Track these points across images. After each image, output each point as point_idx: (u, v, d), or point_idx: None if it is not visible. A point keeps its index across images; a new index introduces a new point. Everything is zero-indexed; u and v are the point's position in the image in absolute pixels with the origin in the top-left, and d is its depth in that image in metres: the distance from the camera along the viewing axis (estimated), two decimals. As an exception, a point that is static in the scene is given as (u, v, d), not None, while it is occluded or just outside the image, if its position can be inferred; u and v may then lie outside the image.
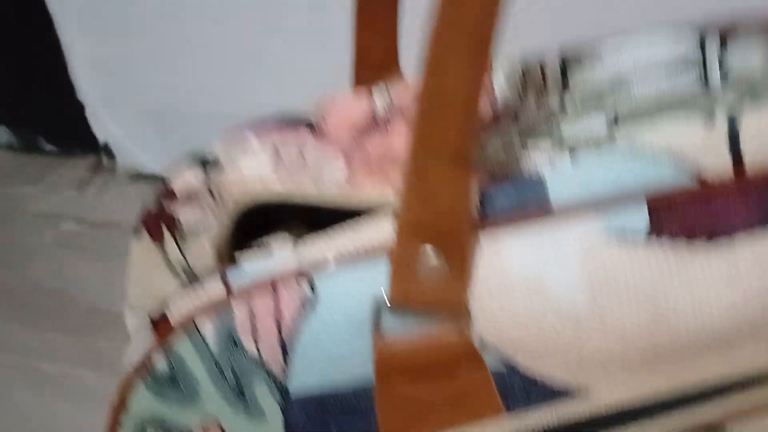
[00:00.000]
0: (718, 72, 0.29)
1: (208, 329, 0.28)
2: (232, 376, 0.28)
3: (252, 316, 0.27)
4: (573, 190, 0.26)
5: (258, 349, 0.27)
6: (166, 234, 0.32)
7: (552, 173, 0.26)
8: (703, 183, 0.25)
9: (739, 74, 0.28)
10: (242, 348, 0.27)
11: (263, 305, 0.27)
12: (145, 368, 0.28)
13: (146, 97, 0.78)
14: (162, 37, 0.75)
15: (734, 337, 0.25)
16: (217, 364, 0.28)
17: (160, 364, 0.28)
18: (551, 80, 0.29)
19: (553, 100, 0.29)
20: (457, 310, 0.26)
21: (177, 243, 0.32)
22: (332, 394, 0.27)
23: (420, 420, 0.27)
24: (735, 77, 0.28)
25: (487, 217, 0.26)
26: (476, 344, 0.26)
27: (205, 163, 0.31)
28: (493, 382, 0.27)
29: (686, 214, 0.25)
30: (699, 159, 0.25)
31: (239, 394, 0.28)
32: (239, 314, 0.27)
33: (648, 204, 0.25)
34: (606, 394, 0.26)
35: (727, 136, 0.25)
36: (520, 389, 0.27)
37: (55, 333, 0.67)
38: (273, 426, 0.28)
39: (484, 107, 0.29)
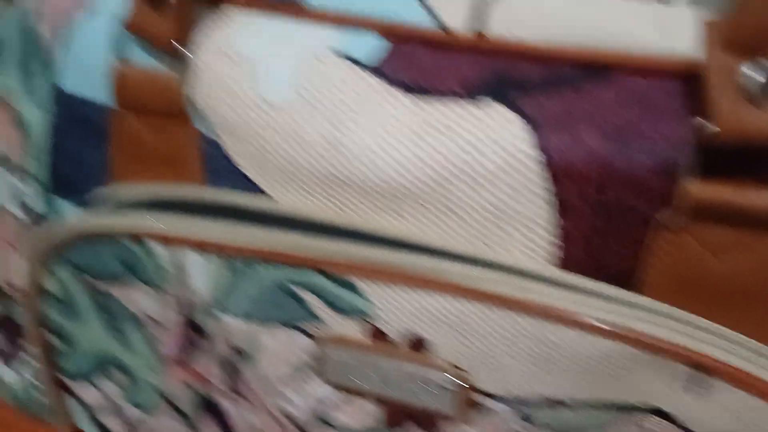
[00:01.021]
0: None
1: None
2: (28, 50, 0.31)
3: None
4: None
5: (45, 33, 0.30)
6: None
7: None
8: (441, 32, 0.26)
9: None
10: (36, 27, 0.31)
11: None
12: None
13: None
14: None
15: (401, 196, 0.26)
16: (19, 35, 0.31)
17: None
18: None
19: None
20: (165, 46, 0.28)
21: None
22: (88, 101, 0.30)
23: (138, 162, 0.30)
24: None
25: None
26: (188, 102, 0.28)
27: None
28: (200, 150, 0.28)
29: (413, 56, 0.26)
30: (446, 12, 0.26)
31: (27, 72, 0.31)
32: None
33: (384, 35, 0.26)
34: (280, 203, 0.28)
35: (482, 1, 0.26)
36: (221, 168, 0.28)
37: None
38: (44, 115, 0.31)
39: None
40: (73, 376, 0.34)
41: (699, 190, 0.23)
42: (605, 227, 0.24)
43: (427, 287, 0.25)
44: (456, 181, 0.25)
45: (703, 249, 0.24)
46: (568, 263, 0.25)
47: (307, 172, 0.27)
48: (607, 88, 0.24)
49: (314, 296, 0.27)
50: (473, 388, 0.26)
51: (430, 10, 0.26)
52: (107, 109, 0.30)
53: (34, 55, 0.31)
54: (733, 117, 0.22)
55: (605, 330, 0.23)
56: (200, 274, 0.28)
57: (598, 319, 0.23)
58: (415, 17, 0.26)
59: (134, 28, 0.28)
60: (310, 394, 0.29)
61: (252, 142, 0.27)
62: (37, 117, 0.31)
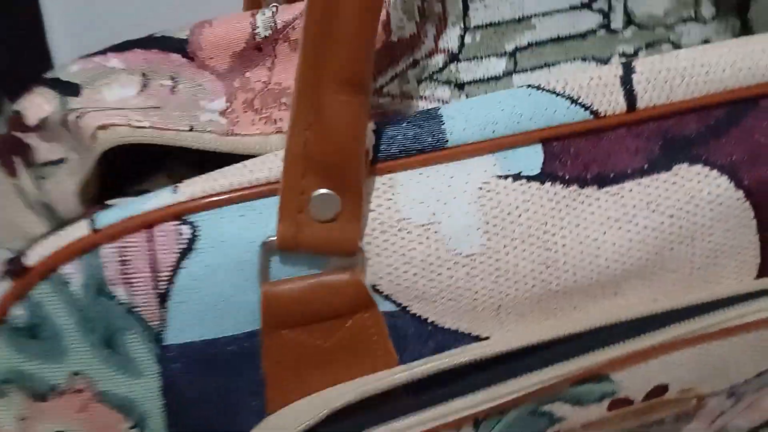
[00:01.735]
0: (622, 17, 0.29)
1: (72, 275, 0.24)
2: (100, 327, 0.24)
3: (123, 260, 0.24)
4: (470, 128, 0.25)
5: (130, 297, 0.24)
6: (20, 167, 0.27)
7: (449, 111, 0.25)
8: (598, 119, 0.25)
9: (641, 20, 0.29)
10: (111, 296, 0.24)
11: (136, 248, 0.24)
12: (0, 318, 0.24)
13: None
14: (146, 6, 0.65)
15: (621, 279, 0.26)
16: (83, 313, 0.24)
17: (18, 313, 0.24)
18: (451, 14, 0.27)
19: (453, 35, 0.28)
20: (350, 253, 0.24)
21: (32, 177, 0.27)
22: (215, 341, 0.25)
23: (310, 371, 0.26)
24: (638, 23, 0.29)
25: (381, 156, 0.24)
26: (369, 289, 0.25)
27: (62, 87, 0.26)
28: (387, 330, 0.25)
29: (580, 151, 0.25)
30: (594, 98, 0.25)
31: (110, 347, 0.25)
32: (108, 258, 0.24)
33: (543, 142, 0.25)
34: (499, 340, 0.26)
35: (621, 77, 0.25)
36: (414, 336, 0.26)
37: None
38: (150, 380, 0.25)
39: (379, 34, 0.27)
40: None
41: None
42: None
43: (666, 351, 0.27)
44: (672, 245, 0.26)
45: None
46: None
47: (523, 299, 0.25)
48: (763, 115, 0.26)
49: (562, 403, 0.27)
50: (701, 397, 0.29)
51: (572, 100, 0.25)
52: (241, 338, 0.25)
53: (113, 326, 0.24)
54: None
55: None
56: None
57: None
58: (559, 113, 0.25)
59: (291, 244, 0.23)
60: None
61: (457, 298, 0.25)
62: (141, 386, 0.25)
